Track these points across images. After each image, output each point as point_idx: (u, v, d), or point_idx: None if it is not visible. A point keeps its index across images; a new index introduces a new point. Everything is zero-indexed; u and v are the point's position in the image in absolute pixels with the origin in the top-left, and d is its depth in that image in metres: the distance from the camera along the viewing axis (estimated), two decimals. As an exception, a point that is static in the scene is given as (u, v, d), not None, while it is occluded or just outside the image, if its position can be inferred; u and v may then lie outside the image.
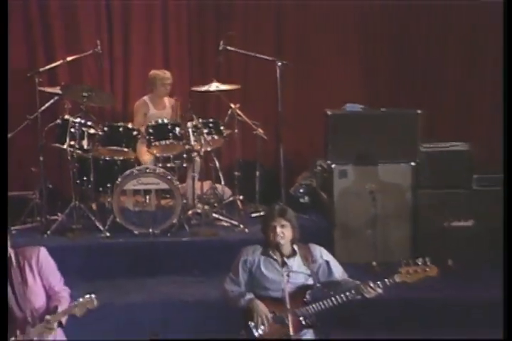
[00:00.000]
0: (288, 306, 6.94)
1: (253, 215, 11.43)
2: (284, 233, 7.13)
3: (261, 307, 7.17)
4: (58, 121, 11.05)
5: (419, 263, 7.19)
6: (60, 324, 6.72)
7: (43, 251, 7.06)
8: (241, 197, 11.74)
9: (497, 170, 11.06)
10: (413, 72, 13.12)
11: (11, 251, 6.88)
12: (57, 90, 11.21)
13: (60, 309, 6.78)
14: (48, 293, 7.01)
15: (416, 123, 11.15)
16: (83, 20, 12.35)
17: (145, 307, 9.70)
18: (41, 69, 11.12)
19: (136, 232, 10.78)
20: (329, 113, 11.25)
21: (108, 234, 10.78)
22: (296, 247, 7.29)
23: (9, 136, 11.00)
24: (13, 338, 6.79)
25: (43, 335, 6.81)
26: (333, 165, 11.11)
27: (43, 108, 11.01)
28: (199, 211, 11.29)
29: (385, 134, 11.11)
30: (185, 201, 11.13)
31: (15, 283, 6.89)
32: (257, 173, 11.80)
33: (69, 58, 11.36)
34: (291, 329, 6.86)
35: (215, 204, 11.69)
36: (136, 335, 9.40)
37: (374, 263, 10.59)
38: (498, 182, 10.88)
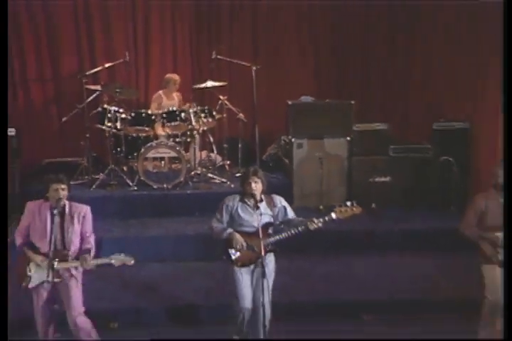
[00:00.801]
0: (260, 237, 7.10)
1: (237, 175, 11.42)
2: (257, 186, 7.32)
3: (238, 237, 7.34)
4: (99, 109, 11.28)
5: (349, 205, 7.48)
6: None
7: (88, 209, 7.35)
8: (228, 162, 11.96)
9: (407, 142, 11.55)
10: (349, 73, 13.14)
11: (66, 203, 7.18)
12: (98, 87, 11.42)
13: (92, 252, 7.18)
14: (82, 237, 7.25)
15: (350, 110, 11.31)
16: (116, 38, 12.43)
17: (161, 238, 10.01)
18: (87, 73, 11.39)
19: (155, 187, 10.99)
20: (290, 103, 11.47)
21: (135, 188, 11.04)
22: (263, 196, 7.44)
23: (64, 119, 11.31)
24: (56, 263, 7.05)
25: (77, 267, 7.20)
26: (292, 140, 11.36)
27: (88, 100, 11.23)
28: (199, 172, 11.48)
29: (328, 118, 11.28)
30: (188, 165, 11.30)
31: (65, 226, 7.18)
32: (240, 145, 11.88)
33: (107, 65, 11.62)
34: (263, 252, 7.05)
35: (210, 167, 11.79)
36: (157, 257, 9.70)
37: (321, 207, 10.79)
38: (408, 150, 11.35)
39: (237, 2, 12.79)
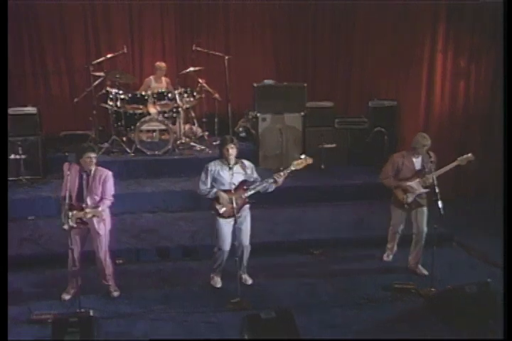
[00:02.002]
0: (239, 192, 7.49)
1: (214, 143, 11.35)
2: (233, 151, 7.46)
3: (223, 194, 7.51)
4: (103, 91, 11.35)
5: (303, 158, 7.66)
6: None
7: (109, 173, 7.43)
8: (207, 133, 11.93)
9: (348, 117, 11.76)
10: (302, 61, 13.15)
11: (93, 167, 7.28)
12: (102, 74, 11.31)
13: (100, 208, 7.21)
14: (101, 197, 7.37)
15: (304, 91, 11.37)
16: (116, 34, 12.38)
17: (153, 193, 10.08)
18: (93, 62, 11.28)
19: (148, 153, 11.03)
20: (255, 85, 11.47)
21: (133, 154, 11.06)
22: (236, 160, 7.57)
23: (76, 100, 11.32)
24: (74, 212, 7.13)
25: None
26: (258, 115, 11.40)
27: (94, 84, 11.22)
28: (183, 141, 11.51)
29: (286, 97, 11.33)
30: (175, 136, 11.22)
31: (89, 183, 7.28)
32: (216, 120, 11.87)
33: (109, 55, 11.48)
34: (240, 204, 7.44)
35: (192, 137, 11.77)
36: (150, 209, 9.87)
37: (281, 168, 10.25)
38: (349, 123, 11.58)
39: (213, 4, 12.71)
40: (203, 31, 12.80)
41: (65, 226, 7.06)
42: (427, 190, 7.98)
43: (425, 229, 8.12)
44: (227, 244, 7.72)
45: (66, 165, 7.41)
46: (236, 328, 6.72)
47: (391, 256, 8.66)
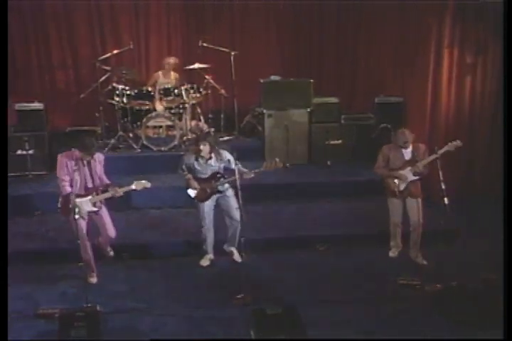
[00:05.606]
0: (211, 182, 8.12)
1: (220, 139, 11.41)
2: (204, 149, 8.07)
3: (192, 181, 8.24)
4: (110, 87, 11.37)
5: (277, 160, 8.20)
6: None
7: (102, 156, 8.03)
8: (212, 129, 11.81)
9: (354, 113, 11.75)
10: (308, 57, 13.09)
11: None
12: (108, 68, 11.35)
13: (111, 188, 7.83)
14: (100, 176, 7.92)
15: (310, 87, 11.38)
16: (123, 29, 12.33)
17: (158, 188, 9.65)
18: (99, 58, 11.27)
19: (154, 149, 11.09)
20: (261, 81, 11.45)
21: (139, 150, 11.13)
22: (212, 154, 8.17)
23: (82, 95, 11.32)
24: (90, 197, 7.73)
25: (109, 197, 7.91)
26: (264, 111, 11.41)
27: (100, 80, 11.23)
28: (189, 137, 11.38)
29: (292, 93, 11.35)
30: (181, 132, 11.27)
31: (92, 169, 7.77)
32: (222, 116, 11.97)
33: (115, 51, 11.51)
34: (210, 192, 8.06)
35: (198, 133, 11.02)
36: (156, 204, 9.97)
37: (287, 165, 10.84)
38: (356, 119, 11.57)
39: (219, 4, 12.73)
40: (209, 27, 12.71)
41: (77, 216, 7.44)
42: (417, 177, 8.36)
43: (419, 220, 8.38)
44: (207, 221, 8.32)
45: (65, 157, 7.79)
46: (241, 324, 6.81)
47: (397, 253, 8.80)
